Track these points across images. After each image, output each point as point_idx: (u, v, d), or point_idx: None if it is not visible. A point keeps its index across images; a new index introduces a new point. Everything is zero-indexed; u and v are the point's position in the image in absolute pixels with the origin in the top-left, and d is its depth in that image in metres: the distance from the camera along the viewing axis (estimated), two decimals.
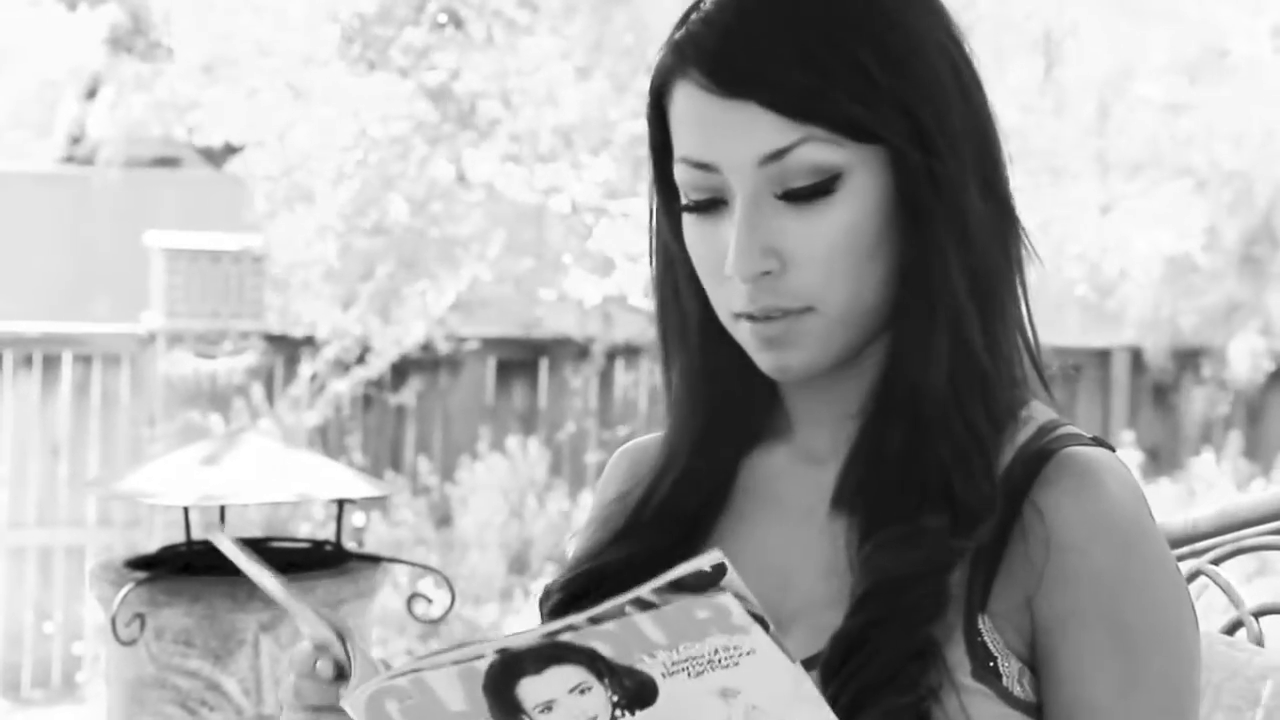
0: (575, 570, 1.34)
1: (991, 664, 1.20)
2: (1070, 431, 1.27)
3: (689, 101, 1.24)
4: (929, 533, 1.20)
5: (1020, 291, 1.28)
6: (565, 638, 0.98)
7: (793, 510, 1.31)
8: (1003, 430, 1.25)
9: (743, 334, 1.26)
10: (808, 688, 1.01)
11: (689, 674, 0.98)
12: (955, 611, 1.20)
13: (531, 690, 0.99)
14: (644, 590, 0.98)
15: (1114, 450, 1.28)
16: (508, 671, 0.99)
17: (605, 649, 0.98)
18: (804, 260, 1.23)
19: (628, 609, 0.98)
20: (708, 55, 1.23)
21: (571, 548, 1.40)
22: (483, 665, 0.99)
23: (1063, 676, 1.21)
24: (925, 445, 1.23)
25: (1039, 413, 1.29)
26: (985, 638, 1.20)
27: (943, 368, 1.24)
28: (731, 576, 0.98)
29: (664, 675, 0.98)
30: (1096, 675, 1.20)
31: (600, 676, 0.99)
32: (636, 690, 0.99)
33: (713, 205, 1.25)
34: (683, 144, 1.25)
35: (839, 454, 1.29)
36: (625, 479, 1.40)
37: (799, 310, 1.24)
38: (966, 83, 1.26)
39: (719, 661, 0.99)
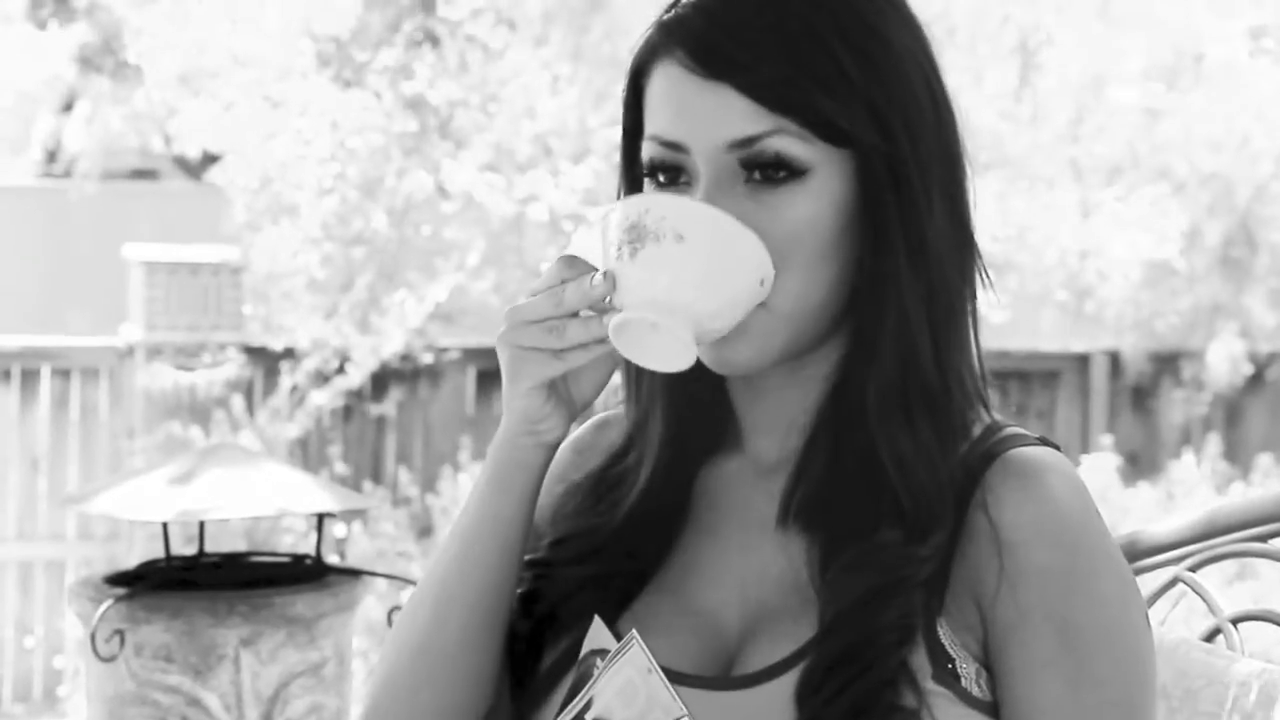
0: (550, 572, 1.34)
1: (950, 665, 1.21)
2: (1014, 433, 1.28)
3: (668, 81, 1.25)
4: (886, 549, 1.21)
5: (971, 316, 1.28)
6: None
7: (748, 520, 1.31)
8: (956, 446, 1.25)
9: None
10: None
11: None
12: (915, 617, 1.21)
13: None
14: None
15: (1059, 449, 1.28)
16: None
17: None
18: None
19: None
20: (693, 36, 1.24)
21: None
22: None
23: (1015, 676, 1.22)
24: (871, 456, 1.24)
25: (984, 418, 1.29)
26: (944, 640, 1.21)
27: (891, 378, 1.24)
28: None
29: None
30: (1047, 674, 1.21)
31: None
32: None
33: (675, 186, 1.25)
34: (654, 122, 1.26)
35: (788, 463, 1.29)
36: (604, 461, 1.38)
37: None
38: (940, 104, 1.27)
39: None
